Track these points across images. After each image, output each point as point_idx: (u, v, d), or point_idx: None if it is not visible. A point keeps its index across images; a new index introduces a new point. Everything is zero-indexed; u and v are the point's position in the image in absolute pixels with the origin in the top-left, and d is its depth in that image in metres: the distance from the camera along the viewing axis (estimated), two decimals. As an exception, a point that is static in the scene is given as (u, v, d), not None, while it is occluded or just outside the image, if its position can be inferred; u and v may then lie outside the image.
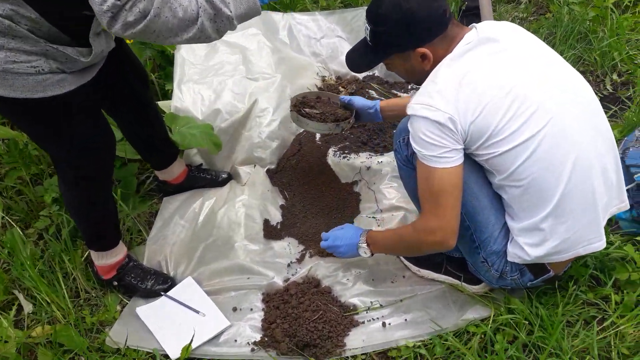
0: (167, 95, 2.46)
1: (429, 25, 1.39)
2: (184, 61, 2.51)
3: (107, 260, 1.81)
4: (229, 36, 2.65)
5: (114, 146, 1.67)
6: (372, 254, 1.69)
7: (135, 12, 1.21)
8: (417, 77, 1.51)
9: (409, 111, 1.39)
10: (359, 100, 2.02)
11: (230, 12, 1.33)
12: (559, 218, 1.39)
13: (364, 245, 1.67)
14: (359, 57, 1.59)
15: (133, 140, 1.98)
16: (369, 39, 1.51)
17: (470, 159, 1.44)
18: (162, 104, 2.42)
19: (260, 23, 2.71)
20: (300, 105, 2.09)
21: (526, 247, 1.45)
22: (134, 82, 1.80)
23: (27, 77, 1.34)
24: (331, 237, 1.75)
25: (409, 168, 1.56)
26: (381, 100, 2.04)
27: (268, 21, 2.76)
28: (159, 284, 1.85)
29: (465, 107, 1.33)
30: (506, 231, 1.52)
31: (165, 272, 1.92)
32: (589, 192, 1.38)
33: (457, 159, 1.38)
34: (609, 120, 1.54)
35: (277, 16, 2.81)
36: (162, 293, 1.82)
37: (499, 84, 1.33)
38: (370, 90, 2.65)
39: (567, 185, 1.35)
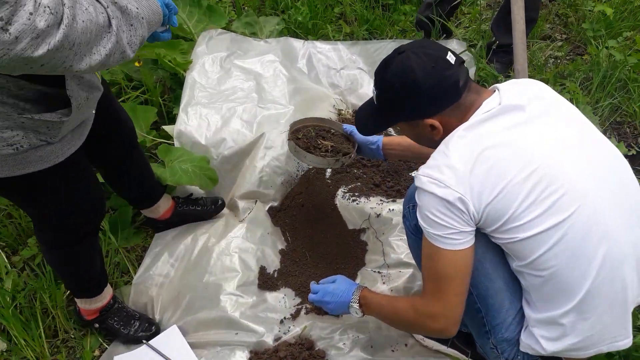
0: (174, 120, 2.35)
1: (437, 97, 1.24)
2: (194, 83, 2.41)
3: (91, 305, 1.70)
4: (245, 61, 2.55)
5: (104, 203, 1.56)
6: (364, 315, 1.54)
7: (43, 14, 0.82)
8: (428, 144, 1.37)
9: (416, 182, 1.24)
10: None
11: (137, 9, 1.07)
12: (583, 314, 1.21)
13: (356, 305, 1.51)
14: (367, 120, 1.46)
15: (114, 184, 1.84)
16: (375, 102, 1.38)
17: (487, 236, 1.28)
18: (167, 128, 2.32)
19: (279, 50, 2.60)
20: (297, 134, 1.94)
21: (542, 341, 1.28)
22: (120, 128, 1.65)
23: (6, 158, 1.15)
24: (321, 291, 1.57)
25: (418, 238, 1.40)
26: (385, 136, 1.88)
27: (287, 48, 2.64)
28: (142, 330, 1.72)
29: (480, 188, 1.17)
30: (521, 317, 1.35)
31: (150, 316, 1.80)
32: (619, 288, 1.20)
33: (466, 242, 1.22)
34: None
35: (297, 43, 2.69)
36: (144, 341, 1.70)
37: (522, 163, 1.16)
38: (388, 127, 2.50)
39: (595, 281, 1.18)
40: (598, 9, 2.98)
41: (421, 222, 1.25)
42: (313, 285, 1.62)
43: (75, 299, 1.71)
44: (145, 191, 1.91)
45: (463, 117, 1.25)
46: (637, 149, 2.43)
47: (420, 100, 1.25)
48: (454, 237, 1.21)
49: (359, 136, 1.87)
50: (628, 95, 2.59)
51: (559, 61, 2.97)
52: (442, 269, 1.24)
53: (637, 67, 2.67)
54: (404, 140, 1.82)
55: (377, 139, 1.84)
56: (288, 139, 1.88)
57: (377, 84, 1.33)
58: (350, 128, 1.90)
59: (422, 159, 1.66)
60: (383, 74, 1.30)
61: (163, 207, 1.99)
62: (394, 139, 1.84)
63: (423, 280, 1.33)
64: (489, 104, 1.24)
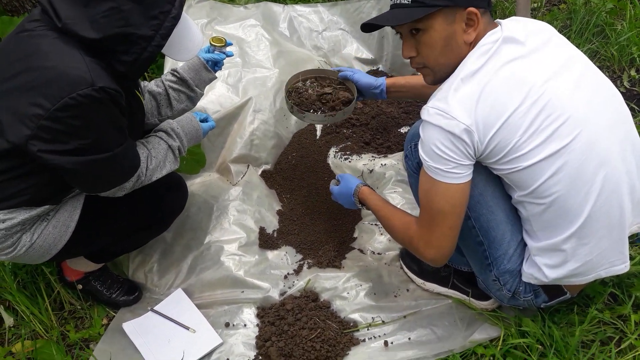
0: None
1: None
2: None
3: (82, 267, 1.71)
4: (226, 27, 2.52)
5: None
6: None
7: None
8: (448, 56, 1.29)
9: (423, 115, 1.26)
10: (362, 78, 1.86)
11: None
12: (583, 239, 1.26)
13: (357, 202, 1.66)
14: (396, 13, 1.30)
15: None
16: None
17: (488, 169, 1.32)
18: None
19: (260, 15, 2.57)
20: (296, 91, 1.93)
21: (544, 268, 1.33)
22: None
23: None
24: (334, 194, 1.74)
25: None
26: (387, 77, 1.85)
27: (267, 13, 2.61)
28: (123, 294, 1.75)
29: (485, 120, 1.19)
30: (522, 249, 1.40)
31: (150, 281, 1.80)
32: (617, 213, 1.25)
33: (465, 176, 1.25)
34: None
35: (277, 8, 2.66)
36: (149, 308, 1.71)
37: (523, 95, 1.19)
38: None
39: (595, 205, 1.23)
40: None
41: (422, 156, 1.27)
42: (332, 187, 1.76)
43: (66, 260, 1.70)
44: None
45: (485, 29, 1.26)
46: (619, 92, 2.48)
47: None
48: (454, 171, 1.24)
49: (360, 81, 1.86)
50: (605, 40, 2.63)
51: (537, 12, 2.99)
52: (439, 203, 1.27)
53: (613, 12, 2.72)
54: (408, 81, 1.84)
55: (380, 82, 1.85)
56: (287, 100, 1.85)
57: None
58: (350, 73, 1.89)
59: (423, 99, 1.65)
60: None
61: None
62: (398, 79, 1.86)
63: (420, 211, 1.36)
64: (492, 36, 1.25)
